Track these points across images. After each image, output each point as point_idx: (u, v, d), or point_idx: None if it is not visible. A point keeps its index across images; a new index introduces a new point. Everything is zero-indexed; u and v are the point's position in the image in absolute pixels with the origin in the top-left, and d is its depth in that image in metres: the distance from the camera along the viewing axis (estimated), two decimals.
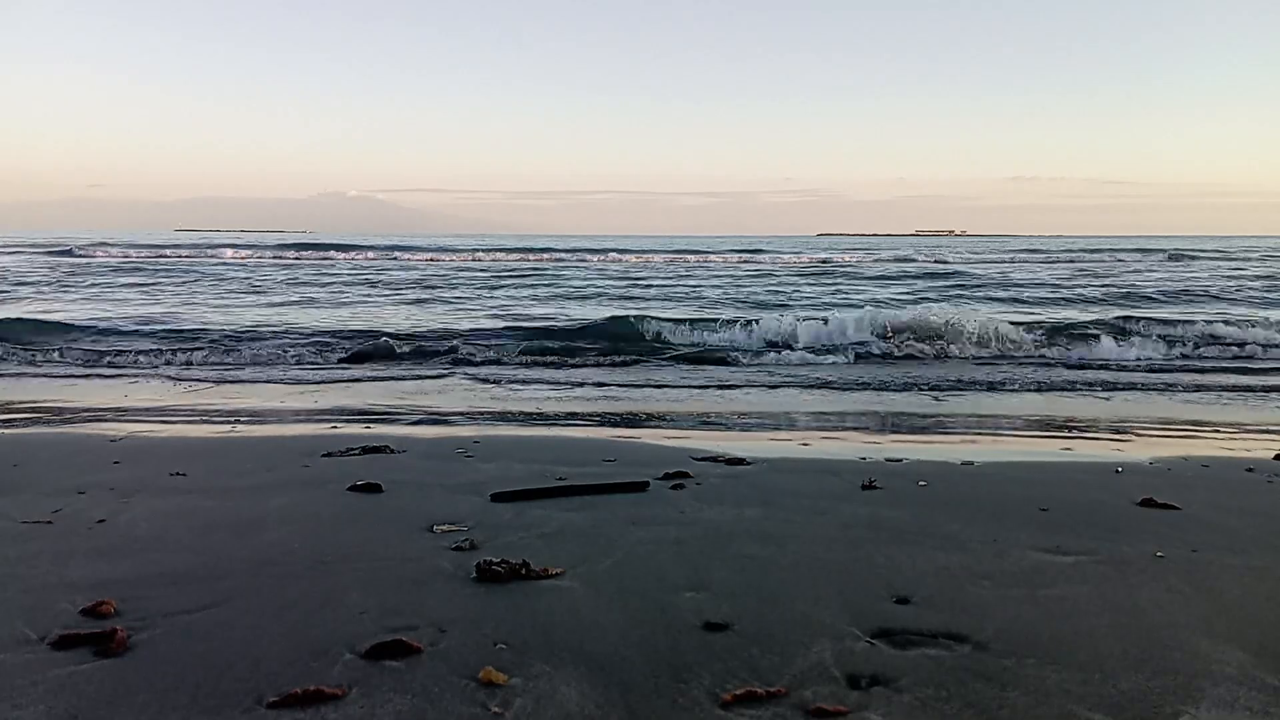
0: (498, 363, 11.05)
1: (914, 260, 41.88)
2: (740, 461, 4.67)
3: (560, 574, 2.83)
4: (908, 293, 22.41)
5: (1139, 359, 11.46)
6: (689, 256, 44.90)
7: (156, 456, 4.88)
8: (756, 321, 13.62)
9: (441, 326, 14.89)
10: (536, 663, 2.20)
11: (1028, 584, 2.78)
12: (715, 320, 14.32)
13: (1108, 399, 8.25)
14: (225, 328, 14.14)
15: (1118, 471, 4.59)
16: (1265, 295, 21.30)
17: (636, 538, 3.24)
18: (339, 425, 6.35)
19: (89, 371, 10.06)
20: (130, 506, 3.71)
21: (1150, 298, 20.71)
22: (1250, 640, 2.36)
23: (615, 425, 6.58)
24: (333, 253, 43.78)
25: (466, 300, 21.01)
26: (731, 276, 30.25)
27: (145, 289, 22.84)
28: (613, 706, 2.01)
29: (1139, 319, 14.49)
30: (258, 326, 14.48)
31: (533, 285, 25.37)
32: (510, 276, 29.04)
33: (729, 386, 8.97)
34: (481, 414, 7.16)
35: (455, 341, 12.56)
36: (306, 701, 1.99)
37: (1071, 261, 40.83)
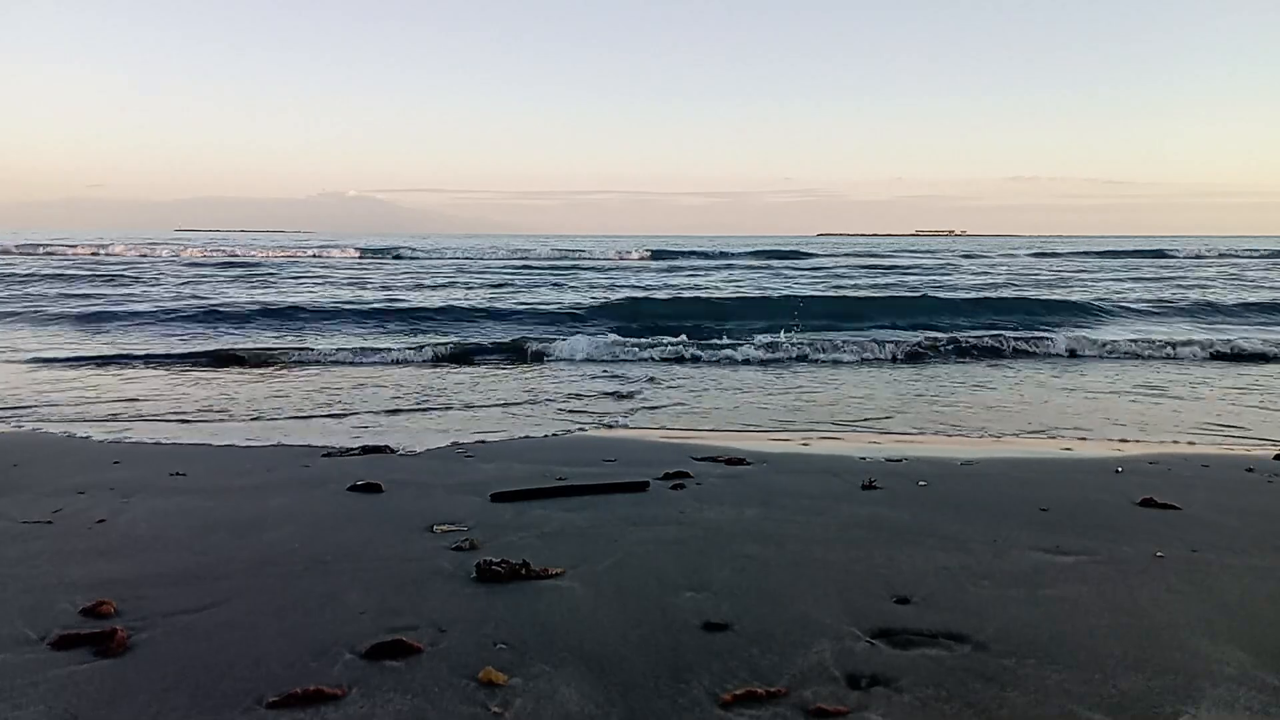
0: None
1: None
2: (740, 461, 4.67)
3: (560, 574, 2.83)
4: None
5: None
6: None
7: (157, 456, 4.88)
8: None
9: None
10: (536, 663, 2.20)
11: (1028, 584, 2.78)
12: None
13: None
14: None
15: (1118, 471, 4.59)
16: None
17: (636, 538, 3.24)
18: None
19: None
20: (130, 506, 3.71)
21: None
22: (1250, 640, 2.36)
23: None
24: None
25: None
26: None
27: None
28: (613, 706, 2.01)
29: None
30: None
31: None
32: None
33: None
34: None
35: None
36: (306, 701, 1.99)
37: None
